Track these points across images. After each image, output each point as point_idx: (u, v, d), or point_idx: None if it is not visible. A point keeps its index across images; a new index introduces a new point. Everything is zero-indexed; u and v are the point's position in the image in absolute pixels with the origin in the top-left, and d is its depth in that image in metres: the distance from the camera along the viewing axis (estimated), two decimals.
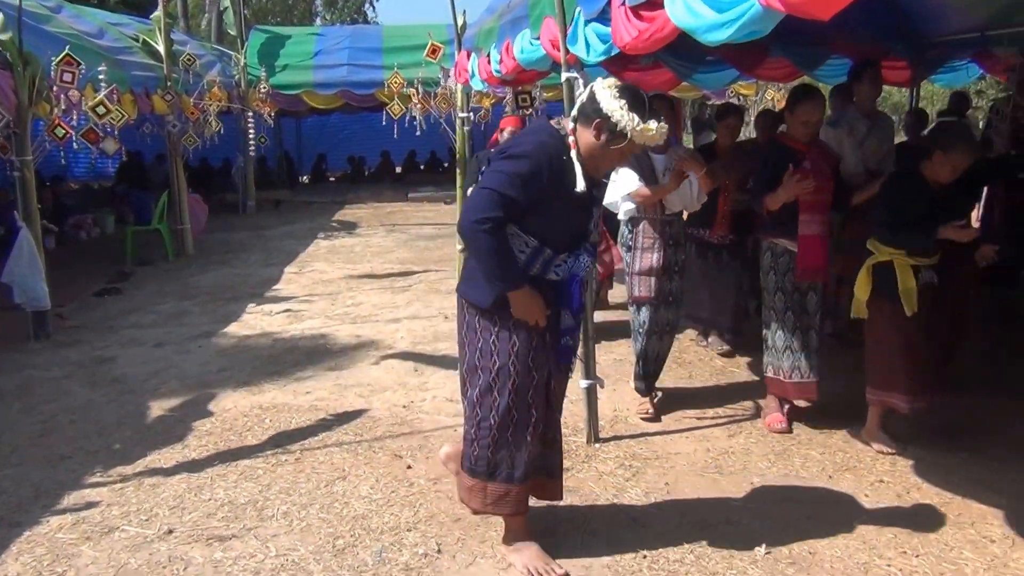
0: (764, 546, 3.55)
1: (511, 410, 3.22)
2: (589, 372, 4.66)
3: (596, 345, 4.86)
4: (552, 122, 3.25)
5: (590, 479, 4.22)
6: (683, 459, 4.48)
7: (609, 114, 3.02)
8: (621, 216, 5.05)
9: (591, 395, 4.66)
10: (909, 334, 4.34)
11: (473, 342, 3.26)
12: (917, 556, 3.48)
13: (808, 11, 2.46)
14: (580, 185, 3.07)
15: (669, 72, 6.94)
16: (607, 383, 5.14)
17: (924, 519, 3.79)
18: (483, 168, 5.89)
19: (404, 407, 5.31)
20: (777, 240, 4.73)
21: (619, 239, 5.24)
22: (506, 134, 6.17)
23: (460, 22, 8.97)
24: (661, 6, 3.24)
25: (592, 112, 3.07)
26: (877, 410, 4.55)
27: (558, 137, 3.15)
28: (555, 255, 3.17)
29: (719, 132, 6.18)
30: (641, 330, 5.01)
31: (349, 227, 14.07)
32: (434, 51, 9.61)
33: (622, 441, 4.71)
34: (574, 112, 3.19)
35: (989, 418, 4.88)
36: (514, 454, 3.27)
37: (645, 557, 3.47)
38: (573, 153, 3.10)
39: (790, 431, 4.78)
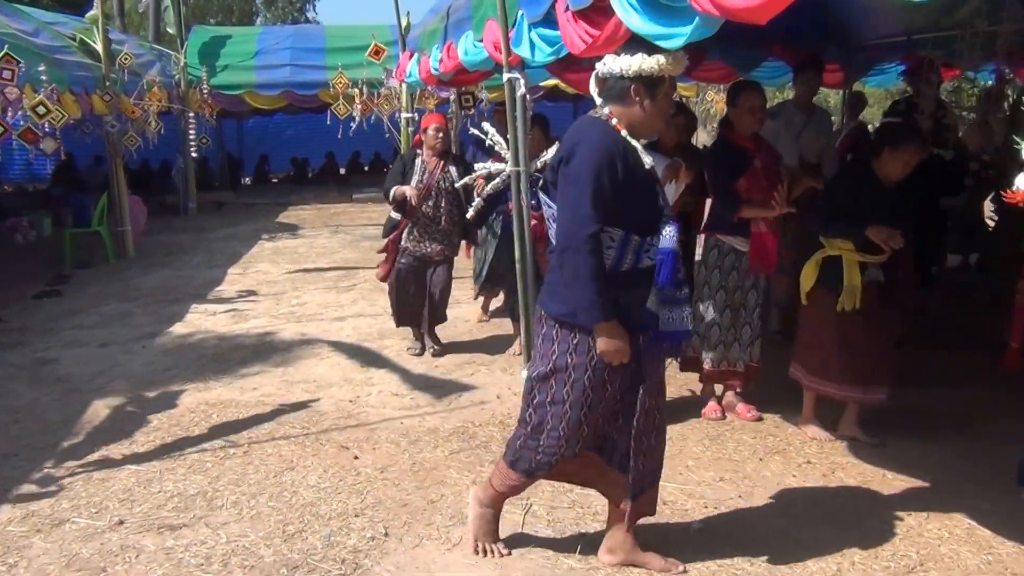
0: (698, 522, 3.74)
1: (581, 425, 3.17)
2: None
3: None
4: (589, 116, 3.20)
5: None
6: None
7: (638, 72, 3.00)
8: None
9: None
10: (847, 328, 4.46)
11: (548, 353, 3.16)
12: (834, 527, 3.69)
13: (744, 16, 2.61)
14: (647, 161, 3.06)
15: None
16: None
17: (845, 496, 4.02)
18: (410, 171, 5.93)
19: (350, 401, 5.41)
20: (726, 238, 4.82)
21: None
22: (431, 131, 6.03)
23: (404, 23, 9.09)
24: (610, 12, 3.37)
25: (622, 86, 3.05)
26: (812, 397, 4.74)
27: (604, 125, 3.10)
28: (643, 239, 3.08)
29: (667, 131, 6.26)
30: None
31: (293, 228, 14.07)
32: (377, 52, 9.71)
33: None
34: (601, 101, 3.15)
35: (915, 406, 5.10)
36: (562, 460, 3.26)
37: (584, 535, 3.63)
38: (624, 133, 3.06)
39: (724, 418, 4.98)
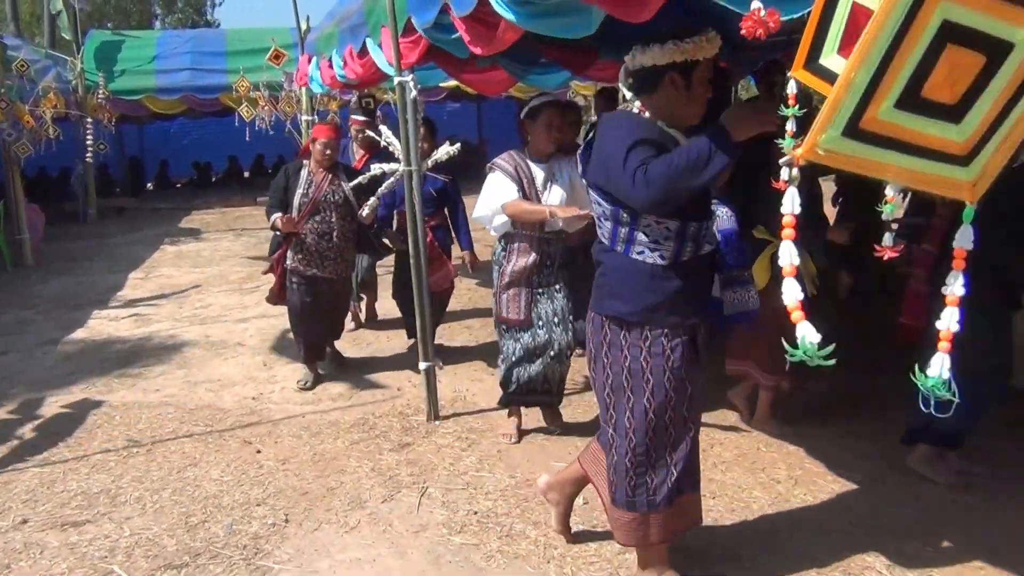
0: (582, 499, 4.01)
1: (668, 429, 2.99)
2: (428, 354, 5.04)
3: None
4: (617, 112, 3.11)
5: (429, 451, 4.59)
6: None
7: (671, 60, 2.81)
8: (493, 232, 4.64)
9: (430, 376, 5.03)
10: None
11: (619, 361, 2.99)
12: (714, 498, 4.00)
13: (621, 14, 2.83)
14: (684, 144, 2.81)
15: (505, 73, 7.37)
16: (447, 366, 5.51)
17: (721, 468, 4.33)
18: (295, 184, 5.54)
19: (253, 399, 5.54)
20: None
21: (493, 257, 4.73)
22: (318, 145, 5.58)
23: (304, 27, 9.18)
24: (496, 15, 3.56)
25: (653, 76, 2.86)
26: (770, 394, 4.79)
27: (636, 116, 2.96)
28: (700, 225, 2.94)
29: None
30: (511, 355, 4.61)
31: (196, 232, 13.97)
32: (277, 56, 9.78)
33: (461, 418, 5.10)
34: (630, 95, 3.02)
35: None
36: (668, 476, 3.04)
37: (476, 513, 3.87)
38: (660, 123, 2.91)
39: None
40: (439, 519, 3.83)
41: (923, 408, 2.01)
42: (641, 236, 2.91)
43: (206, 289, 9.22)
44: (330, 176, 5.67)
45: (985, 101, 1.60)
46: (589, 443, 3.40)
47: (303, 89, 9.15)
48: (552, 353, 4.57)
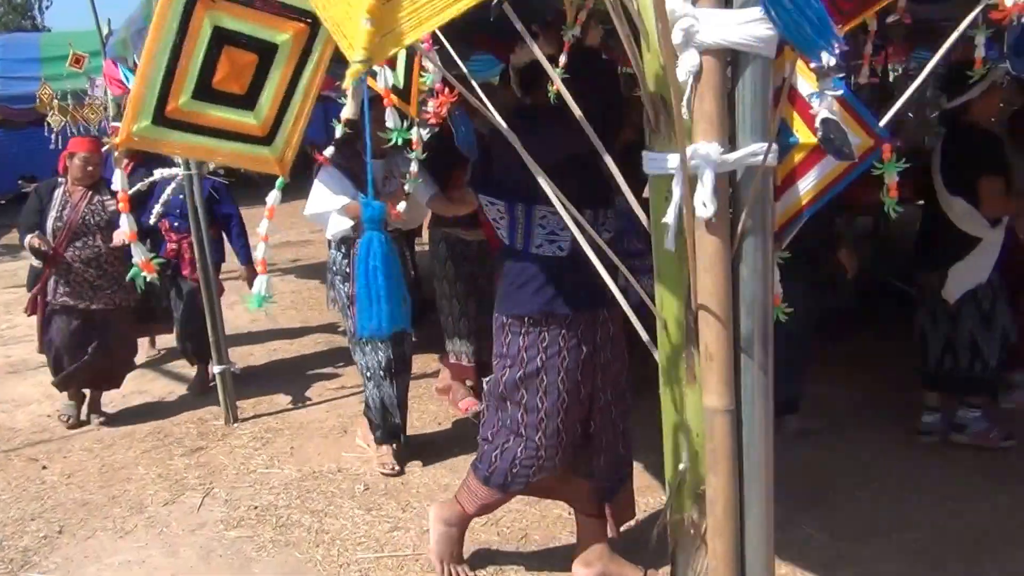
0: (363, 485, 4.14)
1: (559, 433, 2.98)
2: (221, 357, 5.05)
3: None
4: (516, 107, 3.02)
5: (222, 453, 4.63)
6: (314, 426, 4.97)
7: (553, 52, 2.75)
8: (329, 235, 4.26)
9: (225, 379, 5.05)
10: None
11: (517, 362, 2.96)
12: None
13: None
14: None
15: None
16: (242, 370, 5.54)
17: None
18: (48, 205, 4.81)
19: (48, 416, 5.41)
20: (451, 231, 4.89)
21: (329, 268, 4.37)
22: (77, 161, 4.93)
23: (105, 30, 8.93)
24: None
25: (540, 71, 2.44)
26: None
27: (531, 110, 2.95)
28: (596, 212, 2.89)
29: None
30: (375, 372, 4.25)
31: (14, 251, 13.34)
32: (77, 61, 9.48)
33: (261, 419, 5.13)
34: (522, 92, 3.00)
35: None
36: (541, 472, 3.06)
37: (256, 508, 3.95)
38: None
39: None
40: (218, 516, 3.90)
41: None
42: (538, 229, 2.88)
43: (15, 310, 8.85)
44: (90, 195, 4.98)
45: (269, 89, 1.89)
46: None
47: (107, 94, 8.91)
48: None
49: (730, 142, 1.23)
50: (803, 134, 1.28)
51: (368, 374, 4.25)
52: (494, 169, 2.98)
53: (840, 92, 1.13)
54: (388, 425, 4.30)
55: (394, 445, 4.35)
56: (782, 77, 1.25)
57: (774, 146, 1.20)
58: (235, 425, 5.03)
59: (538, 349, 2.91)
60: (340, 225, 4.09)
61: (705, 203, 1.18)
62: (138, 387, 5.81)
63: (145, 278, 1.89)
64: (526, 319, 2.92)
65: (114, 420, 5.23)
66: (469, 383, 5.07)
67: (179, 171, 5.01)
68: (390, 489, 4.11)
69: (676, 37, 1.17)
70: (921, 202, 4.46)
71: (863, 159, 1.32)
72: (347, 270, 4.16)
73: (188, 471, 4.41)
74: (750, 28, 1.16)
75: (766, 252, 1.25)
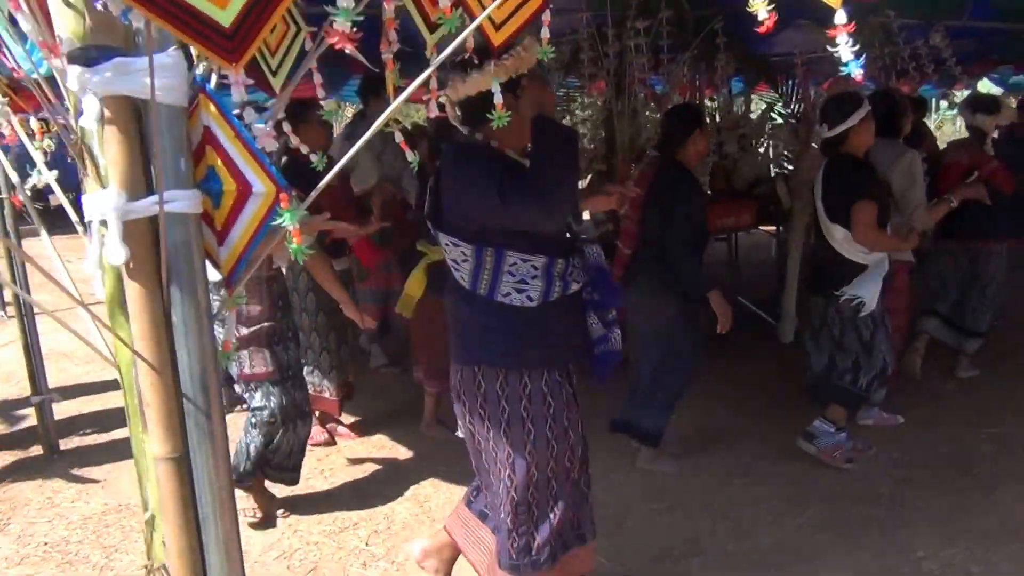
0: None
1: (550, 482, 2.77)
2: (39, 388, 4.95)
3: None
4: (461, 145, 2.81)
5: (30, 487, 4.53)
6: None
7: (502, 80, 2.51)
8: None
9: (44, 410, 4.94)
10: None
11: (496, 414, 2.72)
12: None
13: None
14: None
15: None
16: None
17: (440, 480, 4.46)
18: None
19: None
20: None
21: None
22: None
23: None
24: None
25: (483, 103, 2.43)
26: (433, 399, 4.95)
27: (489, 150, 2.68)
28: (566, 261, 2.70)
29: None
30: (266, 419, 3.88)
31: None
32: None
33: (83, 450, 5.05)
34: (468, 128, 2.73)
35: None
36: (551, 533, 2.80)
37: (45, 544, 3.89)
38: (510, 153, 2.69)
39: (334, 443, 5.05)
40: (5, 554, 3.81)
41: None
42: (507, 277, 2.64)
43: None
44: None
45: None
46: (456, 507, 3.20)
47: None
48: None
49: (151, 189, 1.25)
50: (226, 181, 1.29)
51: (264, 419, 3.91)
52: (446, 213, 2.72)
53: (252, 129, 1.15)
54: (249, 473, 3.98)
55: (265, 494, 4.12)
56: (204, 125, 1.27)
57: (195, 192, 1.22)
58: (55, 457, 4.93)
59: (520, 397, 2.71)
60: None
61: (115, 250, 1.20)
62: None
63: None
64: (501, 369, 2.72)
65: None
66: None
67: None
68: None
69: (72, 84, 1.19)
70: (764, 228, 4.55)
71: (271, 208, 1.34)
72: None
73: None
74: (148, 77, 1.16)
75: (197, 298, 1.27)
